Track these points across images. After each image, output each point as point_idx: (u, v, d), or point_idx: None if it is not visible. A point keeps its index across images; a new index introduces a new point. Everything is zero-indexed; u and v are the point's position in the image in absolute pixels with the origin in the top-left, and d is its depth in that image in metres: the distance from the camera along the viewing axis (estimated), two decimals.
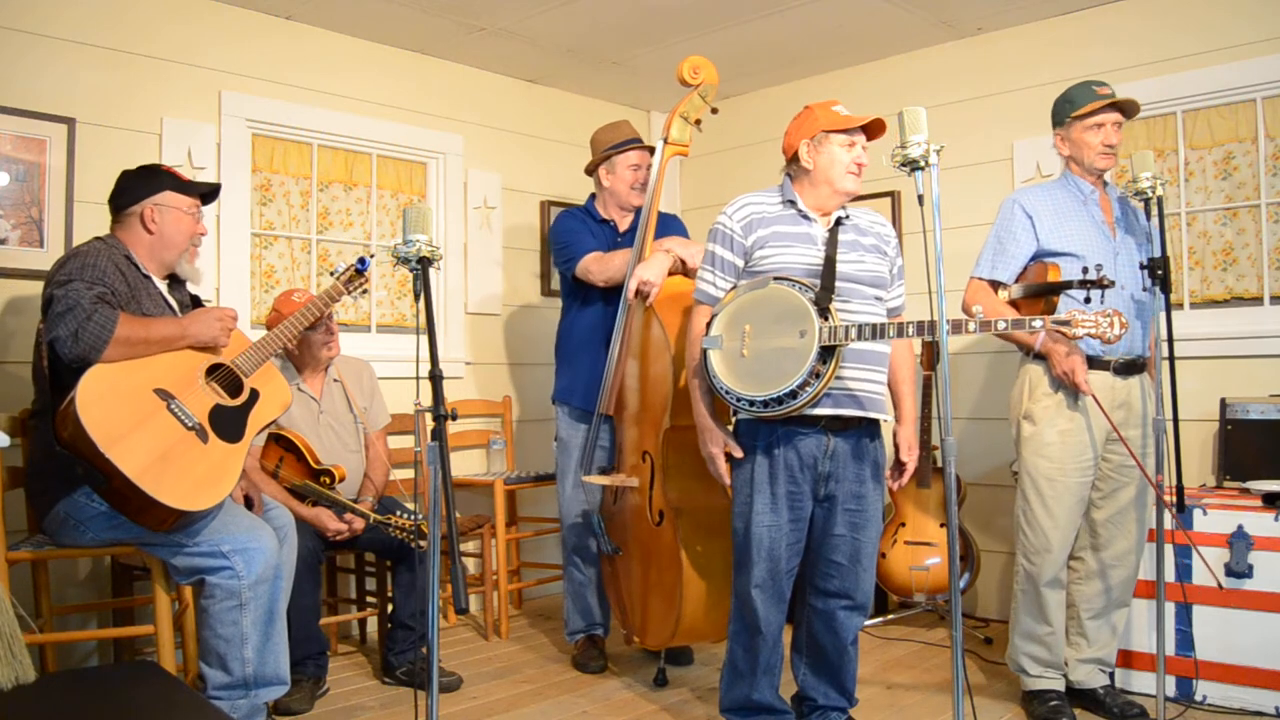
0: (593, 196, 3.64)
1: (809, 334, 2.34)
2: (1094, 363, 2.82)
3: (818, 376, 2.34)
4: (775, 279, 2.46)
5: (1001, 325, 2.29)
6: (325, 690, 3.20)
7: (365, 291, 2.88)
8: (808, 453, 2.51)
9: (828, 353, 2.34)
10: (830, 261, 2.47)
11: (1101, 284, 2.63)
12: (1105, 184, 2.96)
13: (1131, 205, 2.95)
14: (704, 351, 2.51)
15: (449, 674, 3.32)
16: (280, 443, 3.27)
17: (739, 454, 2.58)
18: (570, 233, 3.51)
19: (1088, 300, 2.71)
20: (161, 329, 2.52)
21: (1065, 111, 2.89)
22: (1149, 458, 2.84)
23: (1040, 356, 2.86)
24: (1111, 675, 3.00)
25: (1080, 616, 2.94)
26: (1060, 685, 2.91)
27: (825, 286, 2.41)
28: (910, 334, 2.35)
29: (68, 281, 2.42)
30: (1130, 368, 2.86)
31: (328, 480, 3.23)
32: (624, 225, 3.54)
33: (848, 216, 2.60)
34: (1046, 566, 2.86)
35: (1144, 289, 2.82)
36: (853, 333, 2.33)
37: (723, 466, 2.64)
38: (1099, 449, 2.85)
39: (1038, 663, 2.91)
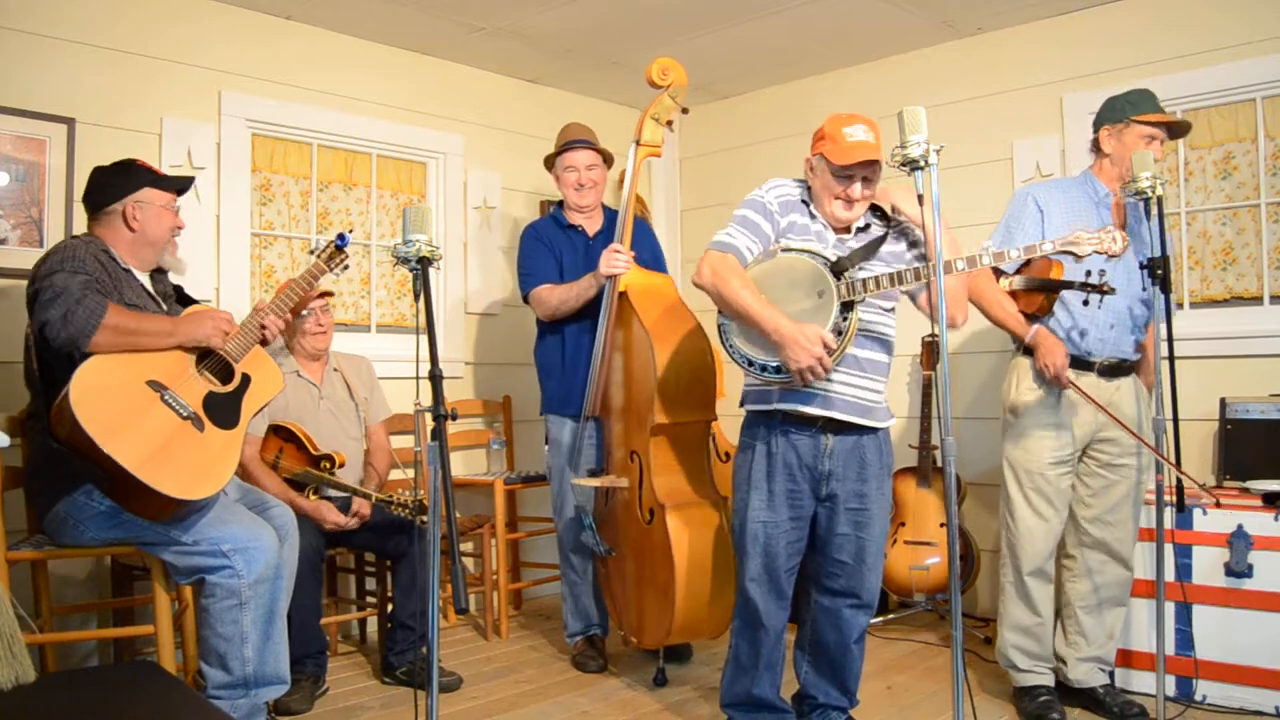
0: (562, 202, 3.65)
1: (828, 293, 2.34)
2: (1079, 364, 2.83)
3: (839, 334, 2.33)
4: (783, 249, 2.46)
5: (1015, 253, 2.32)
6: (325, 690, 3.20)
7: (346, 268, 2.85)
8: (806, 452, 2.52)
9: (847, 309, 2.34)
10: (852, 251, 2.44)
11: (1102, 290, 2.65)
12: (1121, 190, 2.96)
13: (1135, 209, 2.95)
14: (721, 324, 2.49)
15: (449, 674, 3.32)
16: (279, 434, 3.27)
17: (833, 342, 2.32)
18: (527, 258, 3.49)
19: (1085, 303, 2.74)
20: (152, 323, 2.52)
21: (1126, 111, 2.84)
22: (1146, 458, 2.85)
23: (1030, 351, 2.87)
24: (1111, 675, 3.00)
25: (1077, 614, 2.95)
26: (1050, 680, 2.91)
27: (841, 259, 2.39)
28: (929, 278, 2.20)
29: (51, 273, 2.42)
30: (1116, 370, 2.87)
31: (328, 465, 3.22)
32: (592, 229, 3.53)
33: (867, 227, 2.56)
34: (1027, 557, 2.87)
35: (1143, 289, 2.82)
36: (871, 284, 2.32)
37: (829, 365, 2.32)
38: (1078, 444, 2.87)
39: (1027, 655, 2.92)
